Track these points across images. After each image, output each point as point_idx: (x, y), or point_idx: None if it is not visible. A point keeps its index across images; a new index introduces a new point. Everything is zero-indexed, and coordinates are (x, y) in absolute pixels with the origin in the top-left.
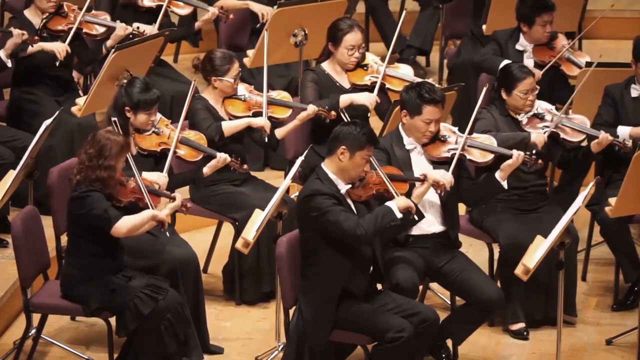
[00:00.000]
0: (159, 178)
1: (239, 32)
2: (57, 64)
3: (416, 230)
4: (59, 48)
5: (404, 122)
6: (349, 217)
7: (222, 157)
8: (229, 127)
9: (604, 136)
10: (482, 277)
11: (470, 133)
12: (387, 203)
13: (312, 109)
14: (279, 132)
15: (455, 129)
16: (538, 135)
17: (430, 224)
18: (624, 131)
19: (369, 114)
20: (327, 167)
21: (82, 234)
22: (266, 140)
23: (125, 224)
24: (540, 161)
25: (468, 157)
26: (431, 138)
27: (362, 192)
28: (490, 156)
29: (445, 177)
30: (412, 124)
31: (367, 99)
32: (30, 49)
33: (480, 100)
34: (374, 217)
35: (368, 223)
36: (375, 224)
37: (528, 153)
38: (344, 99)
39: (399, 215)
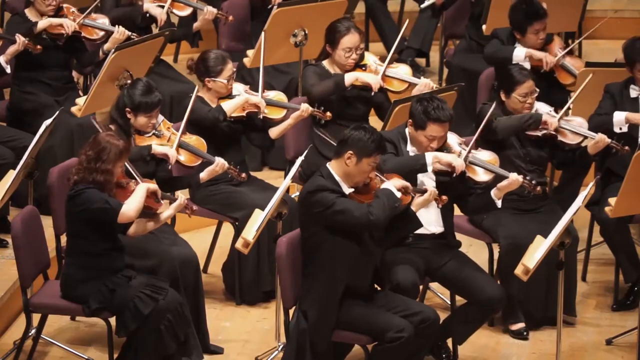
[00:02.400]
0: (168, 150)
1: (239, 32)
2: (64, 37)
3: (418, 230)
4: (67, 23)
5: (409, 131)
6: (359, 205)
7: (220, 163)
8: (229, 107)
9: (601, 137)
10: (483, 275)
11: (483, 139)
12: (383, 185)
13: (305, 109)
14: (273, 132)
15: (462, 140)
16: (550, 117)
17: (431, 224)
18: (619, 117)
19: (372, 93)
20: (333, 168)
21: (82, 233)
22: (261, 117)
23: (130, 207)
24: (539, 188)
25: (467, 173)
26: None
27: (365, 197)
28: (490, 176)
29: (456, 161)
30: (416, 136)
31: (373, 79)
32: (40, 24)
33: (487, 116)
34: (380, 201)
35: (377, 208)
36: (383, 207)
37: (528, 178)
38: (350, 77)
39: (398, 194)
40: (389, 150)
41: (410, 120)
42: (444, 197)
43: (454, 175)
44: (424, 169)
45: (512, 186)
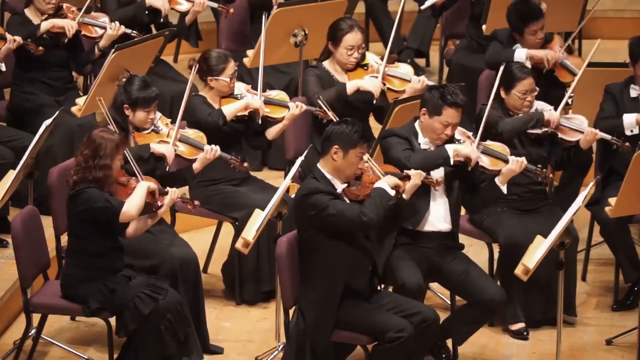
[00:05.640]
0: (167, 150)
1: (238, 34)
2: (66, 40)
3: (427, 227)
4: (69, 25)
5: (422, 121)
6: (351, 207)
7: (213, 150)
8: (229, 111)
9: (588, 130)
10: (485, 277)
11: (485, 137)
12: (377, 184)
13: (296, 107)
14: (270, 133)
15: (470, 133)
16: (552, 114)
17: (439, 220)
18: (630, 119)
19: (374, 101)
20: (322, 167)
21: (83, 233)
22: (259, 122)
23: (131, 205)
24: (551, 175)
25: (480, 163)
26: (445, 141)
27: (359, 191)
28: (502, 165)
29: (474, 153)
30: (430, 123)
31: (373, 86)
32: (43, 26)
33: (491, 101)
34: (373, 201)
35: (369, 208)
36: (377, 208)
37: (539, 166)
38: (351, 85)
39: (392, 192)
40: (406, 147)
41: (423, 109)
42: (438, 180)
43: (469, 167)
44: (447, 162)
45: (515, 171)
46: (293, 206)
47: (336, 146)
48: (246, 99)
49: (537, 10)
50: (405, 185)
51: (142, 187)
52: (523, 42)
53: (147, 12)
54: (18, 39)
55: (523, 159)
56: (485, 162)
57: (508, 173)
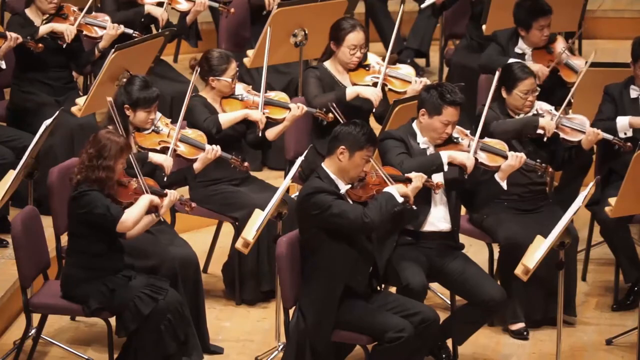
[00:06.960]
0: (165, 160)
1: (238, 37)
2: (64, 46)
3: (428, 227)
4: (68, 30)
5: (421, 121)
6: (355, 207)
7: (213, 150)
8: (226, 119)
9: (590, 131)
10: (485, 277)
11: (481, 135)
12: (387, 189)
13: (297, 108)
14: (270, 134)
15: (468, 131)
16: (548, 122)
17: (439, 220)
18: (623, 122)
19: (373, 110)
20: (327, 167)
21: (83, 233)
22: (259, 135)
23: (130, 217)
24: (550, 169)
25: (479, 160)
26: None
27: (362, 192)
28: (501, 161)
29: (469, 160)
30: (430, 123)
31: (372, 94)
32: (41, 30)
33: (489, 100)
34: (378, 204)
35: (373, 210)
36: (380, 211)
37: (539, 161)
38: (351, 91)
39: (400, 200)
40: (401, 150)
41: (422, 110)
42: (439, 183)
43: (465, 175)
44: (440, 169)
45: (515, 166)
46: (296, 205)
47: (343, 147)
48: (246, 110)
49: (546, 5)
50: (412, 195)
51: (145, 200)
52: (528, 39)
53: (142, 19)
54: (17, 36)
55: (522, 154)
56: (484, 158)
57: (507, 169)
